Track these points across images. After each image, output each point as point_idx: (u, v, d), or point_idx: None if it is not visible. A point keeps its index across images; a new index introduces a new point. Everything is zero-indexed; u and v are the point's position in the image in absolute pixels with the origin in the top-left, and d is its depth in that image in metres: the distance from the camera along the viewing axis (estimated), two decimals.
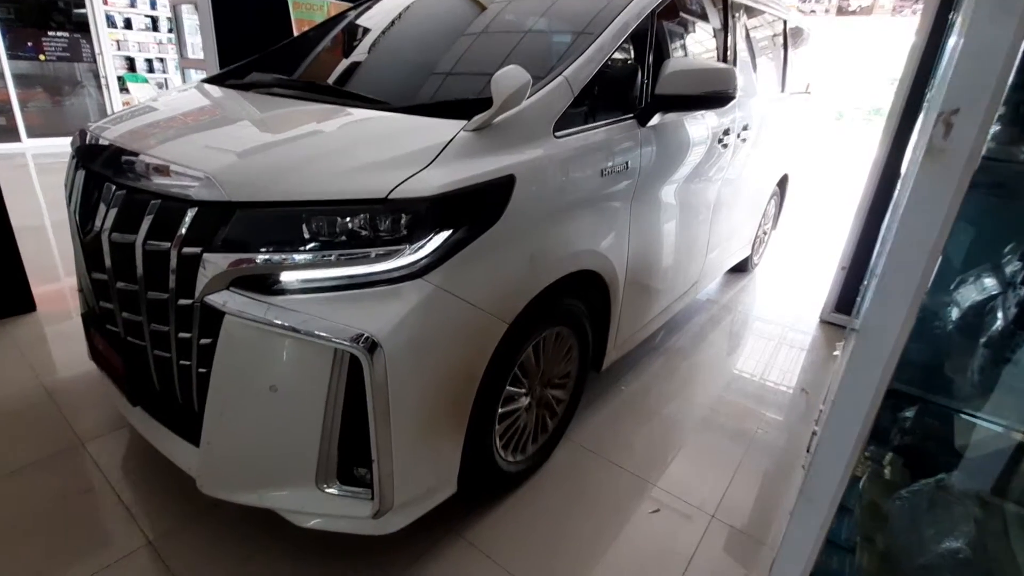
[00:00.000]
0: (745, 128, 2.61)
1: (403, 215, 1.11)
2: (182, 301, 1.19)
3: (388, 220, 1.11)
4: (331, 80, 1.87)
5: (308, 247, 1.11)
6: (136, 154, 1.27)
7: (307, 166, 1.16)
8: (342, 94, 1.63)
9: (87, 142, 1.47)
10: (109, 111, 7.08)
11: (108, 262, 1.29)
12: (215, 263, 1.13)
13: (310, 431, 1.21)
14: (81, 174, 1.41)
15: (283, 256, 1.11)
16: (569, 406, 1.94)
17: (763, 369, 2.70)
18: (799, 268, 4.21)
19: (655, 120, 1.79)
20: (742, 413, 2.30)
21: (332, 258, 1.11)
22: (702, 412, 2.27)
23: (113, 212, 1.26)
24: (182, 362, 1.27)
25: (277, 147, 1.25)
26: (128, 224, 1.25)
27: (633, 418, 2.18)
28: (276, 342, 1.14)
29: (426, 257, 1.14)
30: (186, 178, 1.16)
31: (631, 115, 1.74)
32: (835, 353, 2.62)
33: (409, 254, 1.12)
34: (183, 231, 1.15)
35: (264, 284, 1.14)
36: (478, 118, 1.26)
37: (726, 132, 2.40)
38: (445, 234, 1.16)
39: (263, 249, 1.12)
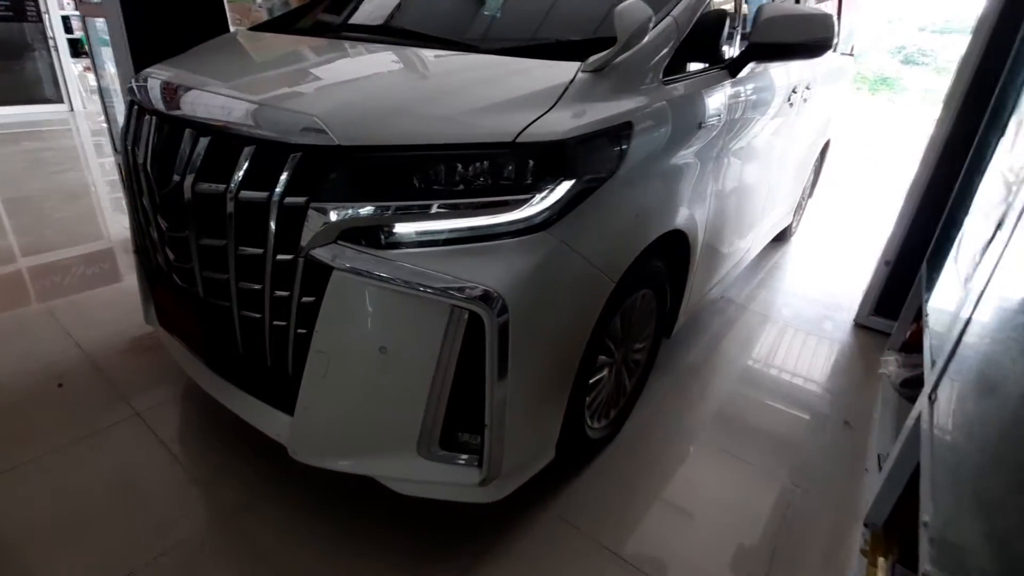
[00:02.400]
0: (807, 88, 2.50)
1: (530, 161, 1.02)
2: (281, 256, 1.10)
3: (514, 166, 1.02)
4: (396, 23, 1.75)
5: (425, 196, 1.02)
6: (225, 96, 1.16)
7: (421, 108, 1.06)
8: (422, 37, 1.51)
9: (154, 87, 1.36)
10: (60, 79, 6.49)
11: (190, 215, 1.20)
12: (323, 214, 1.04)
13: (417, 395, 1.14)
14: (149, 120, 1.30)
15: (398, 206, 1.02)
16: (642, 373, 1.88)
17: (790, 389, 2.21)
18: (832, 248, 3.80)
19: (745, 71, 1.69)
20: (770, 451, 1.84)
21: (451, 208, 1.02)
22: (715, 453, 1.81)
23: (198, 160, 1.16)
24: (276, 323, 1.18)
25: (383, 88, 1.14)
26: (215, 173, 1.15)
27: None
28: (389, 300, 1.06)
29: (551, 208, 1.05)
30: (287, 121, 1.06)
31: (722, 64, 1.63)
32: (882, 372, 2.19)
33: (535, 204, 1.03)
34: (285, 179, 1.05)
35: (376, 237, 1.05)
36: (597, 58, 1.15)
37: (794, 90, 2.29)
38: (569, 183, 1.07)
39: (376, 199, 1.03)
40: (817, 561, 1.47)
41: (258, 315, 1.21)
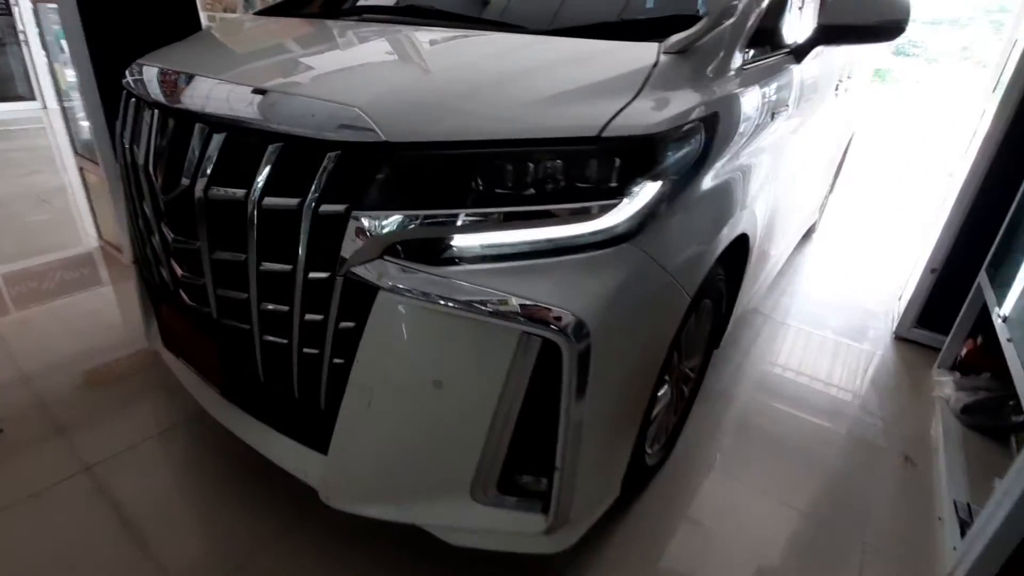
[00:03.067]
0: (849, 77, 2.35)
1: (617, 159, 0.85)
2: (314, 274, 0.93)
3: (598, 165, 0.85)
4: (420, 2, 1.57)
5: (490, 203, 0.85)
6: (244, 86, 0.99)
7: (482, 97, 0.89)
8: (458, 18, 1.33)
9: (155, 77, 1.17)
10: (32, 75, 6.02)
11: (202, 224, 1.02)
12: (368, 224, 0.87)
13: (475, 433, 0.98)
14: (150, 115, 1.12)
15: (458, 214, 0.85)
16: (695, 388, 1.73)
17: (834, 414, 1.95)
18: (853, 247, 3.55)
19: (810, 56, 1.53)
20: (826, 495, 1.59)
21: (522, 216, 0.85)
22: (764, 497, 1.56)
23: (210, 161, 0.98)
24: (306, 350, 1.01)
25: (433, 76, 0.97)
26: (232, 176, 0.97)
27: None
28: (447, 326, 0.89)
29: (638, 215, 0.89)
30: (323, 114, 0.88)
31: (788, 48, 1.47)
32: (937, 395, 2.01)
33: (622, 211, 0.87)
34: (320, 183, 0.88)
35: (431, 251, 0.88)
36: (682, 37, 0.99)
37: (840, 79, 2.14)
38: (657, 185, 0.90)
39: (431, 206, 0.86)
40: None
41: (284, 341, 1.04)
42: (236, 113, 0.96)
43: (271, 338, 1.05)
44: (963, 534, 1.35)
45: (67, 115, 2.83)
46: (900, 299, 2.64)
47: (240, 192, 0.95)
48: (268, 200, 0.92)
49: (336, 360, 0.98)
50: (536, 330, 0.87)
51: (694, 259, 1.09)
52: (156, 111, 1.10)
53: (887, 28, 1.46)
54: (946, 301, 2.24)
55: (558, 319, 0.86)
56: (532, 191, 0.85)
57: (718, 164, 1.08)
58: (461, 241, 0.87)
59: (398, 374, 0.94)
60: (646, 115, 0.87)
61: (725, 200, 1.17)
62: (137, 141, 1.18)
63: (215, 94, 1.01)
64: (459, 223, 0.85)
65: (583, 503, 1.08)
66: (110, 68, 2.26)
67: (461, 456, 1.01)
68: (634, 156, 0.86)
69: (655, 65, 0.95)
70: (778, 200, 1.76)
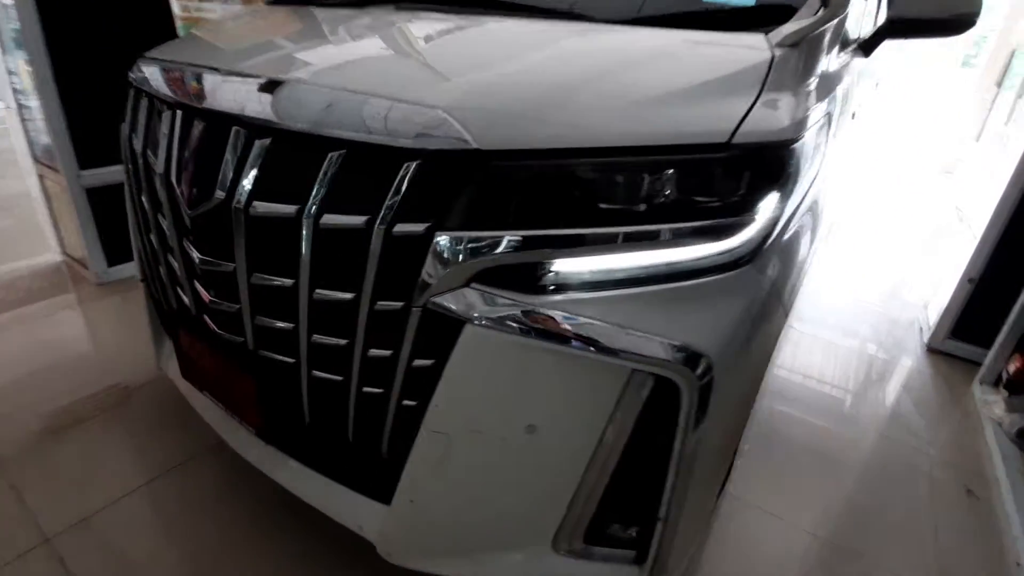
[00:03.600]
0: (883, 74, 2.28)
1: (747, 169, 0.73)
2: (383, 304, 0.80)
3: (725, 176, 0.73)
4: None
5: (599, 221, 0.73)
6: (297, 84, 0.84)
7: (585, 97, 0.76)
8: (509, 6, 1.19)
9: (176, 74, 1.02)
10: None
11: (239, 244, 0.87)
12: (453, 246, 0.74)
13: (566, 481, 0.86)
14: (171, 117, 0.97)
15: (563, 235, 0.73)
16: None
17: (879, 438, 1.79)
18: (862, 247, 3.44)
19: (876, 51, 1.43)
20: (891, 540, 1.42)
21: (638, 236, 0.73)
22: (821, 543, 1.38)
23: (252, 171, 0.84)
24: (367, 389, 0.88)
25: (521, 73, 0.84)
26: (278, 188, 0.83)
27: None
28: (547, 363, 0.77)
29: (762, 233, 0.77)
30: (398, 117, 0.74)
31: (856, 42, 1.37)
32: (987, 416, 1.87)
33: (751, 228, 0.75)
34: (396, 198, 0.74)
35: (528, 278, 0.75)
36: (796, 29, 0.87)
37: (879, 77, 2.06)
38: (776, 197, 0.79)
39: (530, 225, 0.73)
40: None
41: (339, 378, 0.90)
42: (285, 116, 0.81)
43: (322, 374, 0.91)
44: None
45: (21, 114, 2.45)
46: (927, 307, 2.55)
47: (290, 208, 0.81)
48: (328, 218, 0.78)
49: (406, 402, 0.85)
50: (651, 367, 0.75)
51: (795, 276, 0.98)
52: (180, 113, 0.95)
53: (958, 22, 1.37)
54: (986, 313, 2.14)
55: (678, 354, 0.74)
56: (647, 207, 0.72)
57: (821, 170, 0.97)
58: (565, 266, 0.74)
59: (485, 419, 0.81)
60: (776, 118, 0.76)
61: (819, 208, 1.06)
62: (153, 146, 1.03)
63: (256, 94, 0.86)
64: (563, 245, 0.73)
65: (679, 548, 0.96)
66: (71, 67, 2.06)
67: (547, 506, 0.89)
68: (765, 166, 0.74)
69: (772, 60, 0.83)
70: (829, 204, 1.67)
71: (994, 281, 2.15)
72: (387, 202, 0.74)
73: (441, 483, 0.87)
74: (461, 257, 0.74)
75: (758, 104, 0.76)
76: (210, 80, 0.93)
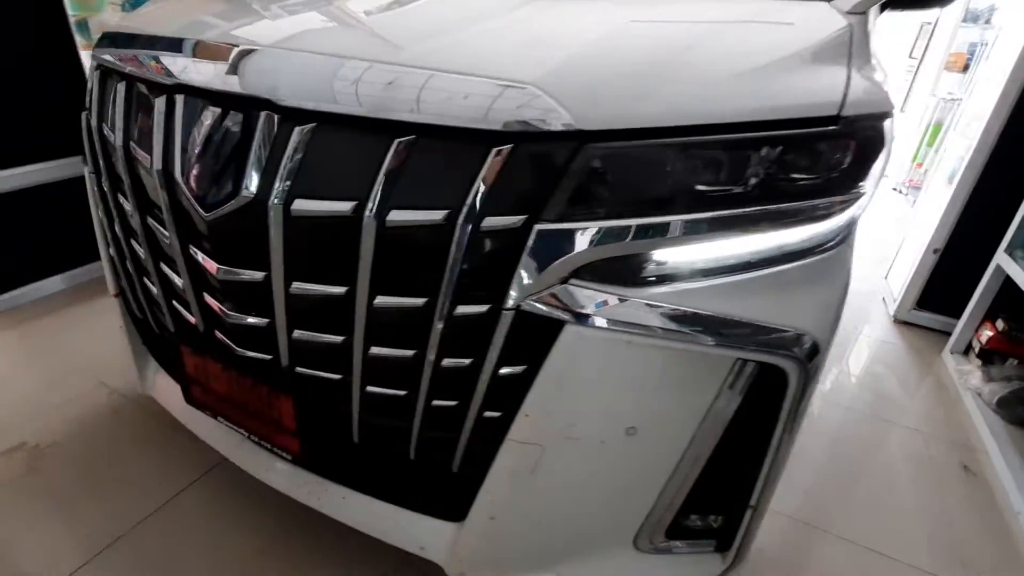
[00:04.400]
0: None
1: (854, 143, 0.70)
2: (465, 309, 0.71)
3: (835, 152, 0.69)
4: None
5: (706, 204, 0.67)
6: (346, 59, 0.72)
7: (683, 69, 0.70)
8: None
9: (173, 50, 0.85)
10: None
11: (277, 249, 0.75)
12: (555, 240, 0.66)
13: (656, 478, 0.82)
14: (165, 103, 0.81)
15: (670, 221, 0.67)
16: None
17: (865, 415, 1.78)
18: None
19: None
20: (895, 523, 1.39)
21: (745, 219, 0.68)
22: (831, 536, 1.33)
23: (293, 164, 0.71)
24: (438, 403, 0.79)
25: (605, 43, 0.75)
26: (328, 184, 0.72)
27: None
28: (651, 360, 0.71)
29: (860, 210, 0.75)
30: (482, 95, 0.65)
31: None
32: (965, 387, 1.89)
33: (855, 206, 0.72)
34: (482, 189, 0.65)
35: (631, 270, 0.69)
36: None
37: None
38: (878, 170, 0.76)
39: (634, 211, 0.66)
40: None
41: (402, 392, 0.80)
42: (336, 99, 0.69)
43: (380, 390, 0.81)
44: None
45: None
46: (887, 279, 2.61)
47: (345, 206, 0.70)
48: (395, 215, 0.68)
49: (488, 414, 0.77)
50: (760, 356, 0.71)
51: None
52: (183, 98, 0.80)
53: None
54: (951, 283, 2.18)
55: (787, 340, 0.71)
56: (757, 187, 0.68)
57: None
58: (671, 255, 0.68)
59: (583, 425, 0.75)
60: (872, 89, 0.72)
61: None
62: (141, 139, 0.87)
63: (292, 72, 0.73)
64: (670, 232, 0.67)
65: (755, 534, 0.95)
66: None
67: (633, 505, 0.85)
68: (870, 139, 0.71)
69: (850, 29, 0.80)
70: None
71: (958, 251, 2.19)
72: (472, 194, 0.65)
73: (526, 496, 0.81)
74: (563, 252, 0.66)
75: (854, 74, 0.73)
76: (226, 55, 0.78)
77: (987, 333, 1.97)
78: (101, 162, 0.98)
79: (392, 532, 0.94)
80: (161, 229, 0.90)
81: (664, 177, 0.66)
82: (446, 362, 0.75)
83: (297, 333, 0.82)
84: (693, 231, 0.67)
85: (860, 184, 0.71)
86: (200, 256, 0.85)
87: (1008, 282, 1.81)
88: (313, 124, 0.70)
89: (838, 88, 0.69)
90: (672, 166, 0.65)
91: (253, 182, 0.74)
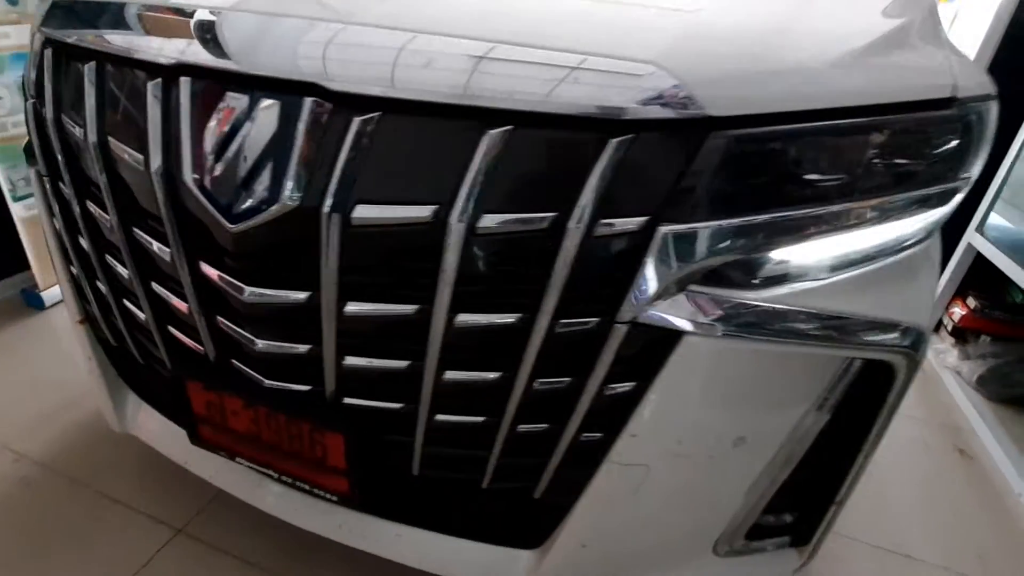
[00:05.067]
0: None
1: (968, 126, 0.66)
2: (568, 323, 0.62)
3: (951, 136, 0.65)
4: None
5: (830, 195, 0.62)
6: (435, 37, 0.59)
7: (802, 47, 0.63)
8: None
9: (161, 19, 0.68)
10: None
11: (331, 266, 0.63)
12: (682, 243, 0.58)
13: (746, 483, 0.78)
14: (165, 91, 0.65)
15: (793, 215, 0.61)
16: None
17: None
18: None
19: None
20: (898, 521, 1.36)
21: (868, 210, 0.63)
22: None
23: (351, 162, 0.59)
24: (524, 428, 0.70)
25: (713, 15, 0.66)
26: (396, 185, 0.60)
27: None
28: (768, 365, 0.66)
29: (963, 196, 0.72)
30: (595, 78, 0.55)
31: None
32: (943, 367, 1.91)
33: (962, 192, 0.69)
34: (598, 187, 0.56)
35: (751, 272, 0.63)
36: None
37: None
38: (985, 155, 0.73)
39: (763, 207, 0.60)
40: None
41: (479, 419, 0.71)
42: (409, 83, 0.57)
43: (452, 418, 0.71)
44: None
45: None
46: None
47: (425, 211, 0.59)
48: (490, 220, 0.58)
49: (587, 436, 0.69)
50: (873, 353, 0.68)
51: None
52: (190, 81, 0.64)
53: None
54: None
55: (900, 335, 0.68)
56: (881, 174, 0.63)
57: None
58: (794, 253, 0.63)
59: (693, 440, 0.69)
60: (975, 70, 0.69)
61: None
62: (125, 133, 0.70)
63: (348, 49, 0.60)
64: (796, 228, 0.61)
65: None
66: None
67: (721, 513, 0.81)
68: (981, 121, 0.68)
69: (933, 5, 0.76)
70: None
71: None
72: (587, 193, 0.56)
73: (623, 520, 0.75)
74: (689, 255, 0.59)
75: (951, 55, 0.69)
76: (250, 27, 0.63)
77: (958, 311, 1.97)
78: (61, 162, 0.79)
79: (456, 566, 0.85)
80: (157, 243, 0.74)
81: (794, 167, 0.59)
82: (540, 383, 0.66)
83: (349, 360, 0.70)
84: (820, 224, 0.61)
85: (972, 168, 0.68)
86: (217, 275, 0.70)
87: (978, 260, 1.85)
88: (377, 113, 0.58)
89: (947, 69, 0.65)
90: (803, 154, 0.59)
91: (298, 186, 0.61)
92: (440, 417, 0.71)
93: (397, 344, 0.68)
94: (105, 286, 0.87)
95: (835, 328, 0.65)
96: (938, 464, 1.60)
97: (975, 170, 0.68)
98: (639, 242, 0.58)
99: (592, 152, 0.56)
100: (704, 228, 0.58)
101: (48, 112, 0.78)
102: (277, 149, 0.61)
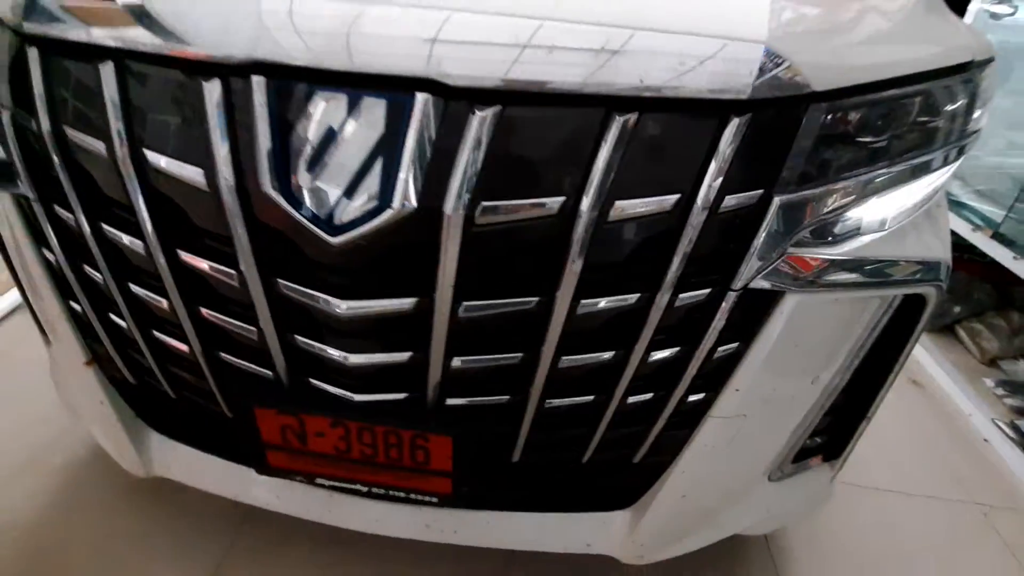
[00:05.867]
0: None
1: (979, 87, 0.76)
2: (686, 296, 0.65)
3: (972, 95, 0.75)
4: None
5: (884, 159, 0.69)
6: (549, 21, 0.56)
7: (864, 21, 0.68)
8: None
9: (240, 12, 0.59)
10: None
11: (449, 269, 0.61)
12: (790, 211, 0.63)
13: (803, 414, 0.88)
14: (215, 88, 0.57)
15: (869, 178, 0.67)
16: None
17: None
18: None
19: None
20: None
21: (909, 167, 0.72)
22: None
23: (471, 159, 0.56)
24: (634, 400, 0.73)
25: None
26: (519, 179, 0.59)
27: None
28: (838, 311, 0.74)
29: None
30: (718, 59, 0.56)
31: None
32: None
33: (970, 142, 0.80)
34: (720, 165, 0.59)
35: (830, 229, 0.69)
36: None
37: None
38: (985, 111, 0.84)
39: (852, 171, 0.66)
40: None
41: (589, 398, 0.73)
42: (532, 72, 0.55)
43: (562, 402, 0.73)
44: None
45: None
46: None
47: (554, 202, 0.58)
48: (622, 206, 0.59)
49: (692, 398, 0.74)
50: (916, 288, 0.78)
51: None
52: (263, 81, 0.56)
53: None
54: None
55: (936, 269, 0.78)
56: (934, 132, 0.71)
57: None
58: (871, 209, 0.70)
59: (784, 386, 0.76)
60: (980, 37, 0.79)
61: None
62: (171, 144, 0.61)
63: (462, 40, 0.56)
64: (879, 185, 0.68)
65: None
66: None
67: (778, 444, 0.90)
68: (990, 81, 0.77)
69: None
70: None
71: None
72: (711, 172, 0.58)
73: (719, 468, 0.81)
74: (797, 221, 0.64)
75: (959, 24, 0.79)
76: (343, 15, 0.56)
77: None
78: (65, 183, 0.67)
79: (550, 539, 0.88)
80: (216, 265, 0.66)
81: (881, 131, 0.66)
82: (654, 356, 0.69)
83: (456, 361, 0.69)
84: (895, 181, 0.69)
85: (980, 123, 0.78)
86: (300, 291, 0.65)
87: None
88: (498, 107, 0.56)
89: (965, 38, 0.74)
90: (886, 120, 0.66)
91: (414, 188, 0.57)
92: (550, 402, 0.73)
93: (511, 338, 0.68)
94: (128, 320, 0.76)
95: (893, 271, 0.74)
96: (899, 398, 1.69)
97: (983, 123, 0.79)
98: (756, 213, 0.62)
99: (713, 132, 0.58)
100: (810, 195, 0.63)
101: (42, 125, 0.65)
102: (385, 151, 0.57)
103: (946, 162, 0.75)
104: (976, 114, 0.76)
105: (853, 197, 0.67)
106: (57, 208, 0.71)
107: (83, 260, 0.75)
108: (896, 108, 0.66)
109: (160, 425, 0.94)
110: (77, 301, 0.79)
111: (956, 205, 1.93)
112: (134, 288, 0.73)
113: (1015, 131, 1.84)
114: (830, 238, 0.69)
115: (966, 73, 0.72)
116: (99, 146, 0.63)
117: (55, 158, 0.66)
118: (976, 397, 1.76)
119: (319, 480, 0.82)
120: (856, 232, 0.70)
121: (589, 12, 0.58)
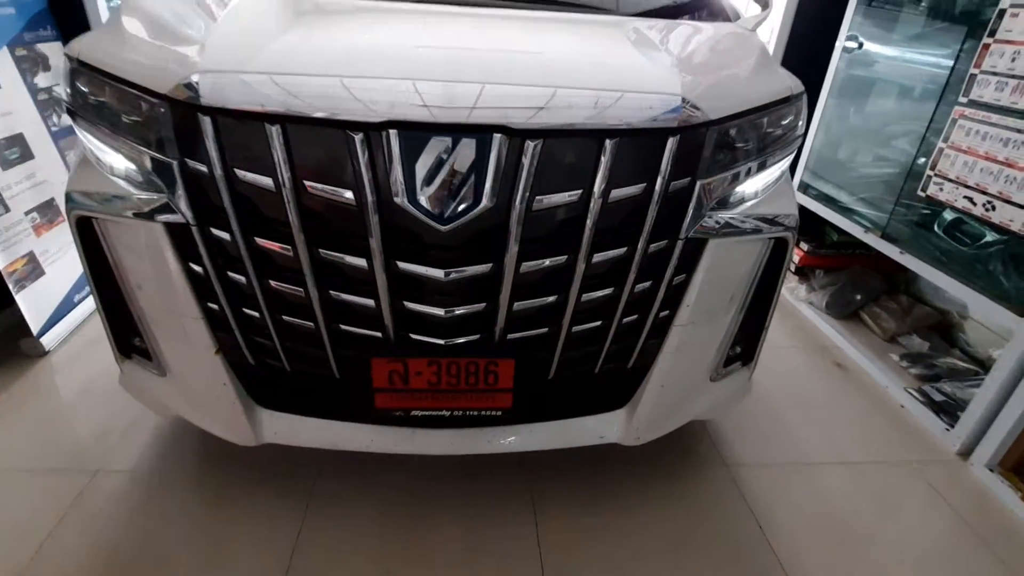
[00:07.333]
0: None
1: (797, 110, 1.25)
2: (654, 245, 1.06)
3: (794, 116, 1.23)
4: None
5: (751, 156, 1.15)
6: (577, 89, 0.97)
7: (723, 76, 1.14)
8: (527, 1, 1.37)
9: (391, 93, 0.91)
10: None
11: (514, 244, 0.97)
12: (709, 189, 1.06)
13: (728, 326, 1.32)
14: (360, 139, 0.89)
15: (744, 167, 1.13)
16: None
17: None
18: None
19: None
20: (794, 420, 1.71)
21: (765, 160, 1.19)
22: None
23: (527, 171, 0.93)
24: (628, 320, 1.13)
25: (674, 58, 1.13)
26: (554, 181, 0.97)
27: None
28: (738, 251, 1.18)
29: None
30: (658, 105, 0.98)
31: None
32: (798, 301, 2.39)
33: (799, 140, 1.29)
34: (668, 164, 1.00)
35: (729, 199, 1.13)
36: (757, 18, 1.40)
37: None
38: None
39: (734, 165, 1.11)
40: None
41: (597, 323, 1.12)
42: (558, 118, 0.93)
43: (583, 327, 1.11)
44: (938, 413, 1.76)
45: None
46: None
47: (574, 195, 0.97)
48: (618, 193, 0.99)
49: (663, 314, 1.14)
50: (783, 233, 1.24)
51: None
52: (395, 133, 0.90)
53: None
54: None
55: (790, 221, 1.26)
56: (775, 138, 1.18)
57: None
58: (749, 185, 1.15)
59: (713, 300, 1.19)
60: (793, 77, 1.29)
61: None
62: (330, 177, 0.92)
63: (519, 100, 0.93)
64: (752, 171, 1.13)
65: None
66: None
67: (716, 350, 1.33)
68: (803, 106, 1.27)
69: (764, 45, 1.35)
70: None
71: None
72: (663, 168, 1.00)
73: (681, 362, 1.22)
74: (712, 196, 1.07)
75: (779, 69, 1.29)
76: (456, 91, 0.92)
77: (796, 255, 2.50)
78: (229, 210, 0.95)
79: (575, 436, 1.25)
80: (354, 257, 0.97)
81: (748, 139, 1.11)
82: (637, 288, 1.09)
83: (517, 305, 1.04)
84: (760, 168, 1.15)
85: (802, 131, 1.28)
86: (414, 268, 0.98)
87: (802, 213, 2.48)
88: (540, 140, 0.93)
89: (787, 81, 1.24)
90: (750, 132, 1.11)
91: (494, 191, 0.93)
92: (575, 328, 1.10)
93: (550, 286, 1.04)
94: (264, 311, 1.03)
95: (767, 223, 1.20)
96: (824, 381, 2.01)
97: (803, 131, 1.29)
98: (688, 192, 1.04)
99: (662, 145, 0.99)
100: (716, 179, 1.07)
101: (214, 169, 0.93)
102: (476, 170, 0.92)
103: (786, 154, 1.23)
104: (799, 125, 1.25)
105: (738, 179, 1.12)
106: (213, 229, 0.98)
107: (229, 268, 1.01)
108: (755, 125, 1.13)
109: (266, 401, 1.19)
110: (215, 302, 1.05)
111: (845, 210, 2.25)
112: (274, 284, 1.01)
113: (878, 147, 2.17)
114: (729, 205, 1.13)
115: (789, 103, 1.20)
116: (267, 181, 0.92)
117: (223, 192, 0.94)
118: (888, 371, 2.01)
119: (414, 413, 1.13)
120: (742, 200, 1.15)
121: (589, 80, 0.98)
